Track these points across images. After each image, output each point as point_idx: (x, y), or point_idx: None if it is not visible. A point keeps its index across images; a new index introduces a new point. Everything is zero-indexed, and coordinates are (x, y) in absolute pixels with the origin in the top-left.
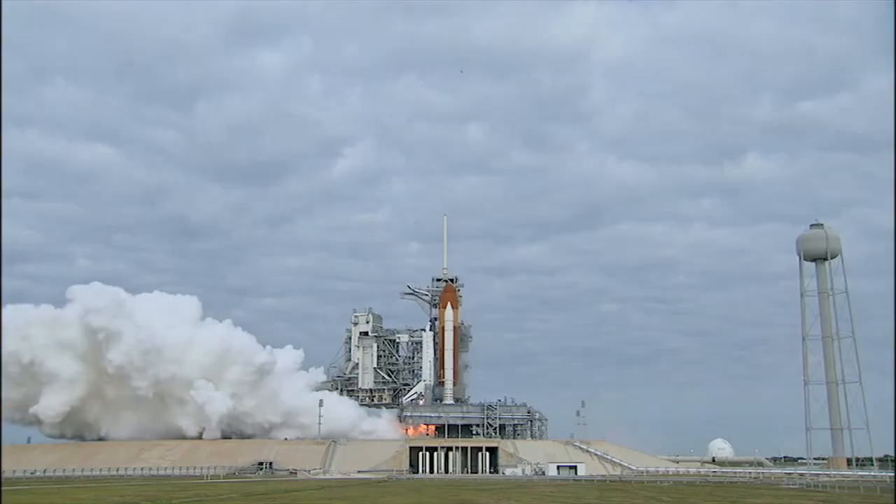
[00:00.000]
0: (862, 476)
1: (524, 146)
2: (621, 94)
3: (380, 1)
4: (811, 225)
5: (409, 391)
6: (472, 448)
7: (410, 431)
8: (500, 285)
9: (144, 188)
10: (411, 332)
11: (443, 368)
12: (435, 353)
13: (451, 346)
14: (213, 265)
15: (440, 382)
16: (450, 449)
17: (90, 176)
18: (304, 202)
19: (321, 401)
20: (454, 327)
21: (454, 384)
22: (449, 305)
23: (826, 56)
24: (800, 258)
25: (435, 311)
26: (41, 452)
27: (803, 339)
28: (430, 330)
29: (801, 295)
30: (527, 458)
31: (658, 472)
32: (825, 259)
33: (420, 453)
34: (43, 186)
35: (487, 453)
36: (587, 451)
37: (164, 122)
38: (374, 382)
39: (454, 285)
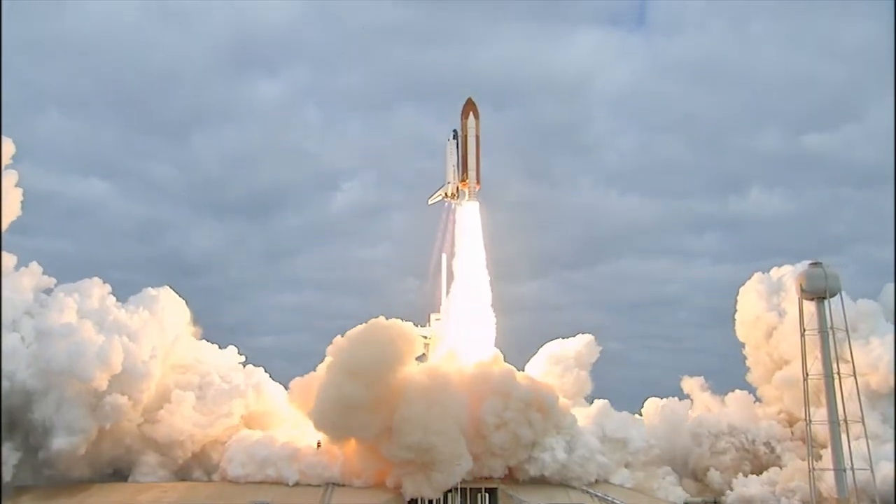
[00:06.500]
0: None
1: (524, 179)
2: (623, 126)
3: (378, 30)
4: (810, 263)
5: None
6: (471, 489)
7: None
8: (501, 322)
9: (139, 223)
10: None
11: (466, 171)
12: (458, 158)
13: (475, 151)
14: (210, 302)
15: (464, 181)
16: (449, 491)
17: (83, 210)
18: (302, 237)
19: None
20: (476, 135)
21: (477, 185)
22: (471, 115)
23: (831, 87)
24: (799, 296)
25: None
26: (30, 498)
27: (804, 378)
28: (454, 139)
29: (802, 334)
30: (528, 499)
31: None
32: (824, 297)
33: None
34: (34, 221)
35: (487, 494)
36: (587, 493)
37: (159, 154)
38: None
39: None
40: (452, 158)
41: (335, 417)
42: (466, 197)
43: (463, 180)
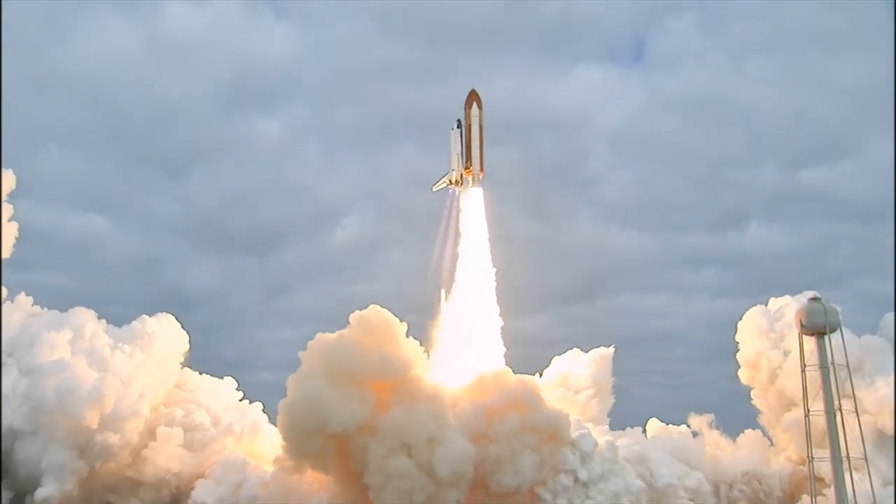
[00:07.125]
0: None
1: (524, 215)
2: (622, 162)
3: (377, 66)
4: (809, 299)
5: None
6: None
7: None
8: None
9: (138, 258)
10: None
11: (470, 159)
12: (462, 147)
13: (478, 139)
14: (208, 337)
15: (467, 169)
16: None
17: (82, 245)
18: (301, 273)
19: None
20: (480, 124)
21: (481, 172)
22: (475, 105)
23: (829, 122)
24: (799, 332)
25: None
26: None
27: (805, 414)
28: (458, 128)
29: (802, 369)
30: None
31: None
32: (824, 333)
33: None
34: (33, 256)
35: None
36: None
37: (158, 190)
38: None
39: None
40: (456, 147)
41: (305, 433)
42: (470, 184)
43: (467, 168)
